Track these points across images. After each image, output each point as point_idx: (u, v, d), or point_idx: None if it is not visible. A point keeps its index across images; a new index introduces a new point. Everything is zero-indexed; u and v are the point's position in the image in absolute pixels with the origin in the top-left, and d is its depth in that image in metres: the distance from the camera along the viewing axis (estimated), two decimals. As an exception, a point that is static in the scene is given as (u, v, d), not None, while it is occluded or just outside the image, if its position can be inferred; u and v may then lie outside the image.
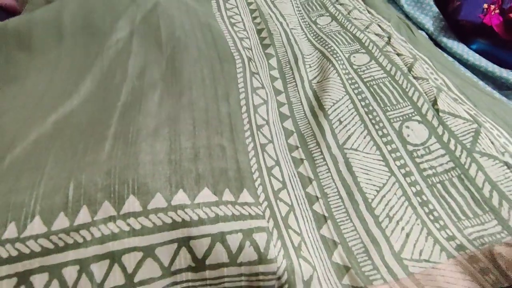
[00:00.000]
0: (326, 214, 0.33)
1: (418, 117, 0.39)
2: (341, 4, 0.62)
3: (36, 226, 0.24)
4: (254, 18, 0.54)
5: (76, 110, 0.32)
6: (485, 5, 0.61)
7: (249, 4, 0.57)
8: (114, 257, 0.24)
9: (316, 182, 0.35)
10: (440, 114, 0.38)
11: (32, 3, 0.52)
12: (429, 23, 0.64)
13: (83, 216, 0.24)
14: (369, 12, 0.61)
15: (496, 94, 0.50)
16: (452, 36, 0.63)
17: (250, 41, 0.49)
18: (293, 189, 0.35)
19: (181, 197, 0.26)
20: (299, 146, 0.39)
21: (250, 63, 0.44)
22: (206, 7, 0.50)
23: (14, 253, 0.23)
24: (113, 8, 0.42)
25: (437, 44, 0.62)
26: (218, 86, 0.37)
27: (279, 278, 0.26)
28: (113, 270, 0.23)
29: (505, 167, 0.33)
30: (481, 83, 0.52)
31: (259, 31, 0.52)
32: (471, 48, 0.62)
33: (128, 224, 0.24)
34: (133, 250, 0.24)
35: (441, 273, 0.28)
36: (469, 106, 0.40)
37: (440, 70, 0.47)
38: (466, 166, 0.34)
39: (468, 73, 0.54)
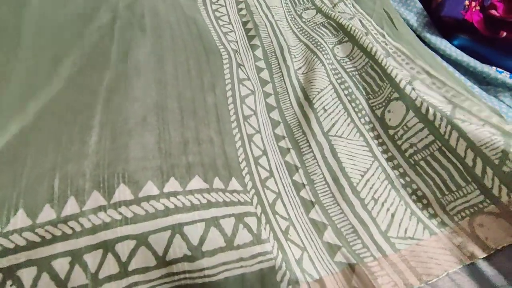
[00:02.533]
0: (313, 200, 0.36)
1: (396, 94, 0.41)
2: None
3: (20, 219, 0.24)
4: (240, 10, 0.57)
5: (57, 97, 0.33)
6: (467, 2, 0.67)
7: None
8: (107, 246, 0.25)
9: (303, 170, 0.38)
10: (417, 91, 0.40)
11: None
12: (413, 19, 0.69)
13: (71, 207, 0.25)
14: (353, 6, 0.66)
15: (476, 89, 0.55)
16: (435, 32, 0.68)
17: (235, 34, 0.52)
18: (280, 177, 0.37)
19: (173, 185, 0.28)
20: (285, 136, 0.41)
21: (236, 55, 0.46)
22: (191, 0, 0.53)
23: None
24: None
25: (421, 39, 0.67)
26: (204, 77, 0.39)
27: (275, 258, 0.28)
28: (107, 259, 0.24)
29: (488, 126, 0.36)
30: (462, 78, 0.57)
31: (244, 23, 0.55)
32: (453, 44, 0.67)
33: (120, 213, 0.26)
34: (126, 239, 0.25)
35: (424, 249, 0.31)
36: (448, 88, 0.43)
37: (419, 59, 0.50)
38: (446, 136, 0.36)
39: (450, 68, 0.59)
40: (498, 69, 0.66)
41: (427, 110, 0.38)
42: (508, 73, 0.65)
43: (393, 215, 0.34)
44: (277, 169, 0.38)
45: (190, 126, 0.33)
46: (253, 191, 0.33)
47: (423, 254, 0.31)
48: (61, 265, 0.24)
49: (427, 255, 0.30)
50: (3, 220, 0.24)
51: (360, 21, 0.60)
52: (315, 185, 0.37)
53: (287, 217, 0.34)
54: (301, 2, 0.66)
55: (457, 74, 0.59)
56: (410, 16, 0.69)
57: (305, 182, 0.37)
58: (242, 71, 0.44)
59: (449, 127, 0.36)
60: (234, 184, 0.32)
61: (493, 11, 0.63)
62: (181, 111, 0.34)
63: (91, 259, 0.24)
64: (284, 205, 0.35)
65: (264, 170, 0.36)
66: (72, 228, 0.25)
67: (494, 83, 0.59)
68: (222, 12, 0.54)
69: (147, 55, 0.38)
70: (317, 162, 0.38)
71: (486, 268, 0.30)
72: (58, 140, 0.29)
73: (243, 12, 0.57)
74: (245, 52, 0.50)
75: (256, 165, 0.36)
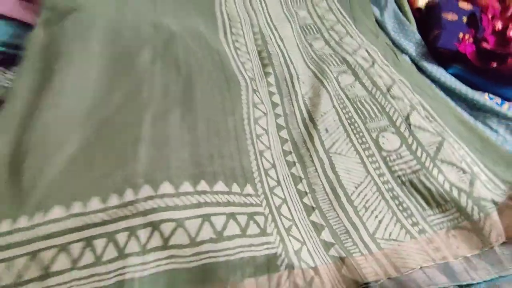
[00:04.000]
0: (314, 205, 0.44)
1: (392, 129, 0.51)
2: (335, 31, 0.76)
3: (94, 204, 0.35)
4: (256, 40, 0.67)
5: (111, 117, 0.43)
6: (461, 35, 0.75)
7: (252, 26, 0.70)
8: (154, 226, 0.34)
9: (306, 181, 0.47)
10: (412, 127, 0.50)
11: (47, 8, 0.62)
12: (412, 49, 0.78)
13: (129, 196, 0.35)
14: (359, 37, 0.75)
15: (465, 115, 0.63)
16: (432, 61, 0.77)
17: (251, 62, 0.62)
18: (286, 186, 0.46)
19: (203, 186, 0.38)
20: (292, 151, 0.50)
21: (252, 82, 0.56)
22: (213, 33, 0.63)
23: (80, 223, 0.33)
24: (139, 35, 0.54)
25: (419, 68, 0.76)
26: (226, 103, 0.49)
27: (277, 247, 0.36)
28: (153, 235, 0.34)
29: (461, 172, 0.45)
30: (453, 104, 0.65)
31: (259, 52, 0.65)
32: (448, 72, 0.75)
33: (164, 202, 0.35)
34: (169, 221, 0.34)
35: (403, 249, 0.39)
36: (437, 123, 0.53)
37: (417, 92, 0.59)
38: (431, 169, 0.46)
39: (443, 95, 0.67)
40: (490, 95, 0.74)
41: (417, 148, 0.48)
42: (500, 99, 0.74)
43: (380, 221, 0.42)
44: (284, 179, 0.46)
45: (215, 144, 0.43)
46: (262, 196, 0.42)
47: (403, 253, 0.38)
48: (122, 237, 0.33)
49: (406, 253, 0.38)
50: (83, 204, 0.34)
51: (367, 51, 0.69)
52: (316, 194, 0.45)
53: (291, 218, 0.42)
54: (311, 33, 0.76)
55: (449, 100, 0.68)
56: (409, 46, 0.78)
57: (308, 191, 0.45)
58: (257, 95, 0.53)
59: (431, 165, 0.46)
60: (248, 189, 0.41)
61: (485, 44, 0.72)
62: (208, 131, 0.44)
63: (142, 234, 0.34)
64: (289, 209, 0.43)
65: (272, 180, 0.45)
66: (130, 211, 0.34)
67: (483, 109, 0.67)
68: (240, 42, 0.64)
69: (181, 88, 0.48)
70: (318, 174, 0.47)
71: (454, 264, 0.37)
72: (115, 148, 0.39)
73: (259, 42, 0.67)
74: (259, 78, 0.59)
75: (266, 176, 0.45)
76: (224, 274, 0.34)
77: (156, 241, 0.34)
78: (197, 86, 0.49)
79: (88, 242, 0.33)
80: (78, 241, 0.33)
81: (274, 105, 0.56)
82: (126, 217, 0.34)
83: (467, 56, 0.72)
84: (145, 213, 0.34)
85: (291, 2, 0.81)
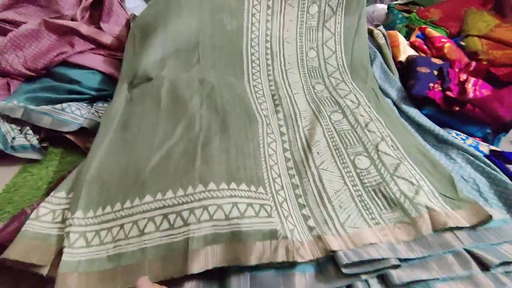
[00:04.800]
0: (305, 204, 0.65)
1: (365, 153, 0.73)
2: (334, 78, 1.00)
3: (170, 194, 0.57)
4: (270, 85, 0.92)
5: (174, 146, 0.67)
6: (431, 84, 0.97)
7: (268, 75, 0.95)
8: (204, 207, 0.55)
9: (301, 187, 0.68)
10: (379, 153, 0.72)
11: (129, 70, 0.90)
12: (393, 93, 1.00)
13: (190, 189, 0.57)
14: (352, 84, 0.99)
15: (426, 146, 0.83)
16: (409, 103, 0.98)
17: (266, 103, 0.87)
18: (287, 190, 0.67)
19: (233, 186, 0.59)
20: (293, 167, 0.72)
21: (265, 118, 0.80)
22: (240, 82, 0.88)
23: (160, 205, 0.56)
24: (190, 88, 0.79)
25: (399, 108, 0.97)
26: (248, 133, 0.73)
27: (277, 225, 0.56)
28: (203, 213, 0.54)
29: (411, 184, 0.66)
30: (418, 138, 0.85)
31: (273, 95, 0.90)
32: (422, 112, 0.96)
33: (210, 194, 0.57)
34: (213, 205, 0.55)
35: (363, 233, 0.58)
36: (399, 151, 0.74)
37: (389, 127, 0.81)
38: (389, 182, 0.66)
39: (411, 130, 0.87)
40: (457, 132, 0.94)
41: (381, 167, 0.70)
42: (465, 135, 0.93)
43: (349, 216, 0.62)
44: (286, 186, 0.67)
45: (240, 160, 0.66)
46: (270, 195, 0.63)
47: (361, 235, 0.58)
48: (185, 214, 0.55)
49: (363, 235, 0.57)
50: (163, 194, 0.57)
51: (355, 96, 0.92)
52: (307, 196, 0.66)
53: (288, 211, 0.62)
54: (316, 77, 1.00)
55: (416, 135, 0.87)
56: (391, 91, 1.00)
57: (302, 194, 0.66)
58: (269, 128, 0.77)
59: (391, 179, 0.67)
60: (260, 190, 0.62)
61: (449, 93, 0.93)
62: (236, 152, 0.67)
63: (197, 212, 0.55)
64: (288, 205, 0.63)
65: (278, 185, 0.66)
66: (190, 199, 0.56)
67: (447, 142, 0.86)
68: (259, 88, 0.89)
69: (219, 123, 0.73)
70: (310, 183, 0.68)
71: (396, 245, 0.56)
72: (181, 163, 0.63)
73: (272, 87, 0.92)
74: (271, 114, 0.83)
75: (274, 182, 0.66)
76: (243, 238, 0.54)
77: (205, 216, 0.55)
78: (230, 122, 0.73)
79: (165, 216, 0.55)
80: (159, 215, 0.55)
81: (282, 134, 0.79)
82: (187, 202, 0.56)
83: (436, 101, 0.93)
84: (199, 200, 0.56)
85: (305, 42, 1.07)
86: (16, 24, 0.96)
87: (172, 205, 0.56)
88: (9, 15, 0.97)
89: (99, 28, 1.02)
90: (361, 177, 0.69)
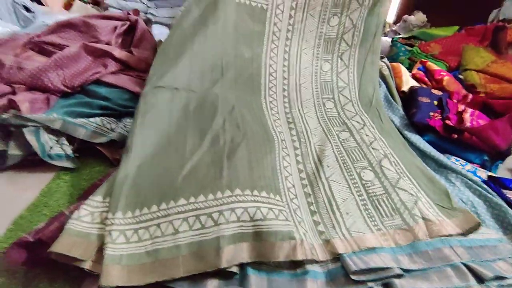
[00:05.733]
0: (316, 211, 0.73)
1: (370, 168, 0.82)
2: (343, 95, 1.11)
3: (201, 198, 0.66)
4: (285, 102, 1.03)
5: (203, 157, 0.75)
6: (431, 113, 1.07)
7: (283, 90, 1.07)
8: (232, 210, 0.63)
9: (313, 196, 0.76)
10: (382, 168, 0.80)
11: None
12: (396, 120, 1.10)
13: (218, 194, 0.66)
14: (358, 106, 1.09)
15: (429, 169, 0.91)
16: (412, 130, 1.07)
17: (280, 120, 0.97)
18: (300, 198, 0.75)
19: (256, 193, 0.68)
20: (305, 178, 0.81)
21: (280, 134, 0.90)
22: (258, 101, 1.00)
23: (193, 207, 0.64)
24: (215, 106, 0.90)
25: (402, 135, 1.06)
26: (266, 147, 0.83)
27: (293, 227, 0.64)
28: (231, 215, 0.62)
29: (410, 195, 0.74)
30: (418, 158, 0.93)
31: (286, 113, 1.00)
32: (424, 139, 1.05)
33: (237, 198, 0.65)
34: (240, 208, 0.63)
35: (366, 237, 0.66)
36: (400, 167, 0.83)
37: (391, 146, 0.90)
38: (391, 193, 0.75)
39: (411, 151, 0.95)
40: (457, 158, 1.02)
41: (384, 180, 0.79)
42: (464, 161, 1.01)
43: (354, 221, 0.70)
44: (299, 195, 0.76)
45: (260, 170, 0.75)
46: (286, 203, 0.71)
47: (364, 239, 0.65)
48: (215, 215, 0.63)
49: (367, 239, 0.65)
50: (195, 197, 0.65)
51: (361, 118, 1.02)
52: (318, 204, 0.74)
53: (301, 217, 0.70)
54: (327, 93, 1.11)
55: (415, 155, 0.95)
56: (395, 118, 1.10)
57: (313, 202, 0.75)
58: (283, 143, 0.88)
59: (392, 190, 0.76)
60: (278, 198, 0.70)
61: (448, 122, 1.02)
62: (257, 163, 0.76)
63: (227, 214, 0.63)
64: (301, 212, 0.72)
65: (292, 194, 0.75)
66: (219, 202, 0.64)
67: (446, 167, 0.94)
68: (274, 104, 1.01)
69: (241, 138, 0.82)
70: (321, 192, 0.76)
71: (400, 256, 0.64)
72: (210, 171, 0.72)
73: (286, 105, 1.03)
74: (286, 131, 0.94)
75: (288, 192, 0.75)
76: (266, 237, 0.61)
77: (233, 217, 0.63)
78: (250, 138, 0.84)
79: (197, 217, 0.63)
80: (192, 216, 0.63)
81: (295, 148, 0.89)
82: (217, 206, 0.64)
83: (436, 128, 1.03)
84: (227, 203, 0.64)
85: (321, 53, 1.15)
86: (58, 46, 1.10)
87: (203, 207, 0.64)
88: (53, 38, 1.11)
89: (130, 52, 1.16)
90: (366, 188, 0.77)
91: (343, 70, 1.15)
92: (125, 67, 1.14)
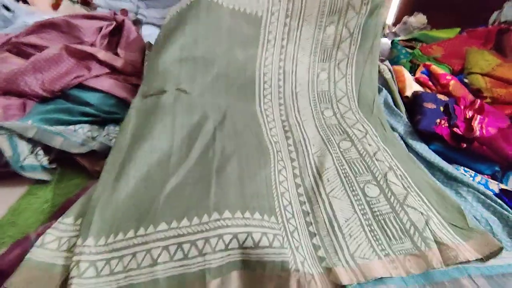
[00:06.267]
0: (315, 232, 0.65)
1: (374, 182, 0.74)
2: (342, 104, 1.03)
3: (184, 222, 0.57)
4: (281, 110, 0.95)
5: (190, 171, 0.67)
6: (438, 120, 1.00)
7: (279, 98, 0.99)
8: (220, 236, 0.55)
9: (312, 214, 0.68)
10: (388, 182, 0.73)
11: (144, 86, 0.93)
12: (400, 128, 1.03)
13: (205, 218, 0.57)
14: (358, 114, 1.02)
15: (434, 179, 0.84)
16: (416, 138, 1.00)
17: (276, 128, 0.89)
18: (298, 218, 0.67)
19: (247, 214, 0.60)
20: (303, 194, 0.73)
21: (276, 144, 0.82)
22: (252, 109, 0.92)
23: (175, 234, 0.55)
24: (205, 112, 0.82)
25: (406, 143, 0.99)
26: (261, 160, 0.75)
27: (289, 257, 0.56)
28: (219, 242, 0.54)
29: (420, 214, 0.66)
30: (425, 169, 0.86)
31: (283, 121, 0.92)
32: (430, 148, 0.98)
33: (225, 222, 0.57)
34: (229, 234, 0.55)
35: (372, 265, 0.58)
36: (407, 181, 0.75)
37: (396, 158, 0.83)
38: (398, 212, 0.67)
39: (417, 162, 0.88)
40: (465, 168, 0.95)
41: (391, 196, 0.71)
42: (473, 172, 0.94)
43: (359, 245, 0.62)
44: (297, 213, 0.68)
45: (254, 187, 0.66)
46: (281, 224, 0.63)
47: (371, 267, 0.57)
48: (200, 243, 0.54)
49: (374, 267, 0.57)
50: (178, 221, 0.57)
51: (362, 125, 0.95)
52: (318, 224, 0.66)
53: (299, 240, 0.63)
54: (325, 101, 1.03)
55: (422, 166, 0.87)
56: (398, 126, 1.03)
57: (312, 222, 0.67)
58: (279, 154, 0.79)
59: (400, 208, 0.68)
60: (273, 219, 0.62)
61: (456, 129, 0.95)
62: (249, 180, 0.68)
63: (213, 241, 0.55)
64: (298, 234, 0.64)
65: (289, 213, 0.67)
66: (205, 228, 0.56)
67: (456, 180, 0.86)
68: (270, 112, 0.93)
69: (232, 149, 0.74)
70: (321, 210, 0.68)
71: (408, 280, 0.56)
72: (196, 189, 0.63)
73: (282, 112, 0.95)
74: (281, 141, 0.85)
75: (285, 211, 0.67)
76: (254, 267, 0.54)
77: (220, 245, 0.55)
78: (242, 149, 0.75)
79: (179, 245, 0.54)
80: (174, 244, 0.55)
81: (292, 160, 0.81)
82: (202, 232, 0.56)
83: (443, 137, 0.95)
84: (214, 229, 0.56)
85: (317, 62, 1.08)
86: (38, 48, 1.02)
87: (186, 233, 0.56)
88: (32, 39, 1.03)
89: (116, 54, 1.08)
90: (371, 205, 0.70)
91: (340, 79, 1.09)
92: (110, 70, 1.06)
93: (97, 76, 1.03)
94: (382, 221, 0.66)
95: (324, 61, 1.10)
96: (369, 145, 0.85)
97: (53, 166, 0.86)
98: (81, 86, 1.00)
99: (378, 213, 0.68)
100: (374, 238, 0.63)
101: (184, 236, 0.55)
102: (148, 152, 0.68)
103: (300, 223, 0.66)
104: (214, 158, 0.71)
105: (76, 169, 0.87)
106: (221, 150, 0.73)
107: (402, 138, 1.00)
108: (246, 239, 0.56)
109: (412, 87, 1.12)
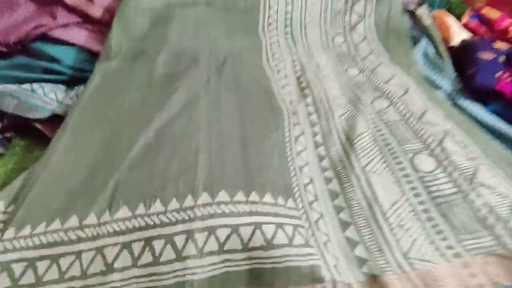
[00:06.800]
0: (350, 220, 0.46)
1: (426, 152, 0.53)
2: (369, 61, 0.82)
3: (157, 206, 0.39)
4: (295, 66, 0.74)
5: (168, 124, 0.49)
6: (498, 73, 0.78)
7: (292, 54, 0.78)
8: (211, 230, 0.37)
9: (342, 196, 0.49)
10: (446, 150, 0.52)
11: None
12: (447, 85, 0.81)
13: (188, 201, 0.39)
14: (393, 67, 0.80)
15: (503, 149, 0.63)
16: (469, 97, 0.79)
17: (289, 86, 0.69)
18: (323, 201, 0.48)
19: (253, 196, 0.41)
20: (329, 168, 0.53)
21: (290, 103, 0.62)
22: (258, 59, 0.72)
23: (143, 224, 0.37)
24: (196, 58, 0.63)
25: (455, 104, 0.78)
26: (271, 121, 0.55)
27: (319, 259, 0.38)
28: (210, 239, 0.36)
29: (500, 197, 0.46)
30: (488, 135, 0.65)
31: (298, 77, 0.71)
32: (487, 109, 0.77)
33: (221, 209, 0.38)
34: (225, 227, 0.37)
35: (438, 271, 0.39)
36: (471, 150, 0.54)
37: (451, 120, 0.62)
38: (468, 193, 0.47)
39: (477, 127, 0.68)
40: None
41: (452, 170, 0.50)
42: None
43: (414, 240, 0.43)
44: (321, 194, 0.49)
45: (262, 157, 0.47)
46: (302, 210, 0.45)
47: (437, 275, 0.39)
48: (180, 240, 0.36)
49: (441, 275, 0.38)
50: (146, 205, 0.38)
51: (400, 80, 0.73)
52: (352, 209, 0.47)
53: (327, 234, 0.44)
54: (346, 61, 0.82)
55: (484, 132, 0.68)
56: (443, 82, 0.81)
57: (344, 206, 0.47)
58: (294, 117, 0.59)
59: (469, 188, 0.47)
60: (290, 203, 0.44)
61: (524, 84, 0.74)
62: (256, 145, 0.49)
63: (200, 238, 0.36)
64: (325, 224, 0.45)
65: (310, 195, 0.48)
66: (188, 215, 0.38)
67: None
68: (280, 67, 0.71)
69: (232, 103, 0.55)
70: (355, 190, 0.49)
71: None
72: (176, 155, 0.44)
73: (297, 67, 0.74)
74: (297, 100, 0.65)
75: (305, 191, 0.48)
76: (269, 280, 0.36)
77: (211, 245, 0.36)
78: (246, 104, 0.56)
79: (148, 242, 0.36)
80: (139, 240, 0.36)
81: (312, 124, 0.60)
82: (184, 221, 0.37)
83: (507, 94, 0.74)
84: (202, 218, 0.38)
85: (329, 28, 0.89)
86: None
87: (159, 224, 0.37)
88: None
89: (89, -2, 0.87)
90: (426, 184, 0.49)
91: (361, 41, 0.88)
92: (82, 18, 0.86)
93: (64, 25, 0.83)
94: (444, 207, 0.46)
95: (336, 26, 0.91)
96: (413, 103, 0.64)
97: (7, 135, 0.68)
98: (45, 39, 0.81)
99: (437, 195, 0.48)
100: (436, 231, 0.44)
101: (155, 227, 0.37)
102: (112, 116, 0.49)
103: (327, 208, 0.47)
104: (204, 111, 0.52)
105: (38, 139, 0.69)
106: (216, 102, 0.54)
107: (449, 98, 0.78)
108: (252, 234, 0.37)
109: (459, 34, 0.89)
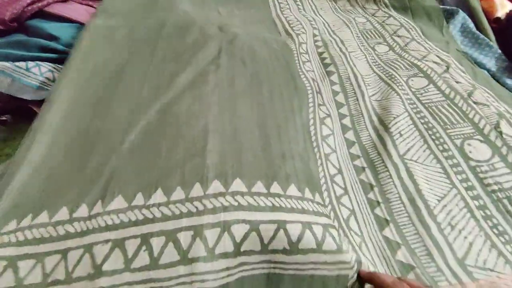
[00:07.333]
0: (388, 218, 0.38)
1: (479, 137, 0.45)
2: (399, 36, 0.72)
3: (158, 196, 0.32)
4: (316, 41, 0.66)
5: (173, 102, 0.42)
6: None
7: (313, 29, 0.69)
8: (224, 226, 0.30)
9: (378, 188, 0.41)
10: (504, 136, 0.44)
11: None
12: (490, 63, 0.71)
13: (197, 190, 0.32)
14: (427, 43, 0.70)
15: None
16: (516, 77, 0.69)
17: (311, 62, 0.60)
18: (354, 195, 0.41)
19: (276, 188, 0.34)
20: (360, 155, 0.45)
21: (314, 82, 0.54)
22: (276, 35, 0.63)
23: (141, 217, 0.30)
24: (205, 33, 0.55)
25: (499, 83, 0.69)
26: (294, 101, 0.47)
27: (351, 268, 0.30)
28: (223, 237, 0.29)
29: None
30: None
31: (320, 53, 0.63)
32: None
33: (236, 200, 0.31)
34: (242, 222, 0.30)
35: (505, 282, 0.31)
36: None
37: (502, 100, 0.53)
38: None
39: None
40: None
41: None
42: None
43: (471, 244, 0.35)
44: (352, 187, 0.41)
45: (285, 142, 0.39)
46: (330, 206, 0.37)
47: (504, 287, 0.31)
48: (185, 237, 0.29)
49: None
50: (146, 195, 0.32)
51: (438, 56, 0.64)
52: (390, 204, 0.39)
53: (360, 233, 0.37)
54: (373, 37, 0.72)
55: None
56: (486, 60, 0.71)
57: (380, 200, 0.40)
58: (319, 97, 0.51)
59: None
60: (317, 197, 0.36)
61: None
62: (278, 128, 0.41)
63: (210, 236, 0.29)
64: (357, 222, 0.38)
65: (339, 188, 0.41)
66: (196, 207, 0.31)
67: None
68: (300, 41, 0.63)
69: (248, 81, 0.47)
70: (393, 181, 0.41)
71: None
72: (183, 137, 0.37)
73: (319, 43, 0.65)
74: (321, 78, 0.57)
75: (332, 183, 0.40)
76: None
77: (226, 244, 0.30)
78: (264, 82, 0.48)
79: (145, 240, 0.29)
80: (134, 237, 0.30)
81: (339, 105, 0.52)
82: (191, 215, 0.31)
83: (560, 73, 0.64)
84: (214, 211, 0.31)
85: (344, 10, 0.81)
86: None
87: (160, 217, 0.31)
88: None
89: (89, -29, 0.81)
90: (481, 175, 0.41)
91: (386, 18, 0.80)
92: (82, -7, 0.80)
93: (63, 1, 0.77)
94: (506, 202, 0.38)
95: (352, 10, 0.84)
96: (457, 82, 0.55)
97: (3, 118, 0.63)
98: (43, 15, 0.75)
99: (495, 188, 0.40)
100: (496, 231, 0.36)
101: (154, 222, 0.30)
102: (108, 94, 0.43)
103: (360, 203, 0.40)
104: (215, 89, 0.44)
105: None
106: (230, 79, 0.46)
107: (493, 76, 0.69)
108: (275, 234, 0.30)
109: (505, 5, 0.79)
